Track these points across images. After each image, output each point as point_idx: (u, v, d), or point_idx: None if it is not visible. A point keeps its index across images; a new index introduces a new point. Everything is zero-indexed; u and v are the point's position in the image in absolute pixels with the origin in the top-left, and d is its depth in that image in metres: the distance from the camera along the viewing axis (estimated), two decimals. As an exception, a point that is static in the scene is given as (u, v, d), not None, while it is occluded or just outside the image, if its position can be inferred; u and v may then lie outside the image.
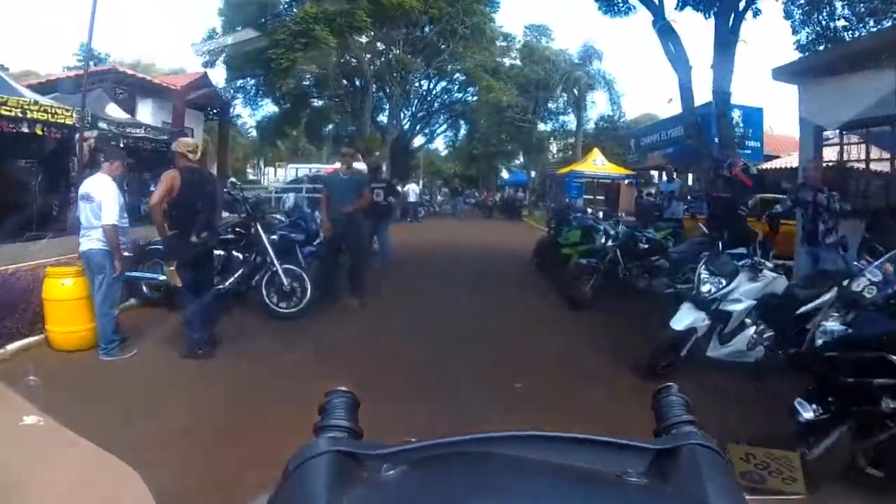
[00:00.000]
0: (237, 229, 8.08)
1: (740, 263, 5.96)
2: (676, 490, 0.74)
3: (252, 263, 7.90)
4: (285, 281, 7.65)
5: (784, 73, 10.92)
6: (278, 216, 9.92)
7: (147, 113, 23.82)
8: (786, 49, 61.85)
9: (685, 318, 5.76)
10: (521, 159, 63.60)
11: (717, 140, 14.96)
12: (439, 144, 55.86)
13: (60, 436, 2.50)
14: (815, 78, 10.10)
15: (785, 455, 1.32)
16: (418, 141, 43.92)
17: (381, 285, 10.11)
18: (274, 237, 8.06)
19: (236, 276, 7.83)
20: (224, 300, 7.69)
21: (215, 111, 27.65)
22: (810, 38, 16.06)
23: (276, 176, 64.42)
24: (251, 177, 72.45)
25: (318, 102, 35.75)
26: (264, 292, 7.70)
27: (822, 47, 15.59)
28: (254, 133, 42.67)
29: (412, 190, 27.69)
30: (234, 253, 7.98)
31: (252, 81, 31.32)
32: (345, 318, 8.05)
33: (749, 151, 22.13)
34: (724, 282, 5.79)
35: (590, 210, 22.09)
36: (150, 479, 2.13)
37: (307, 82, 28.44)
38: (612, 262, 8.77)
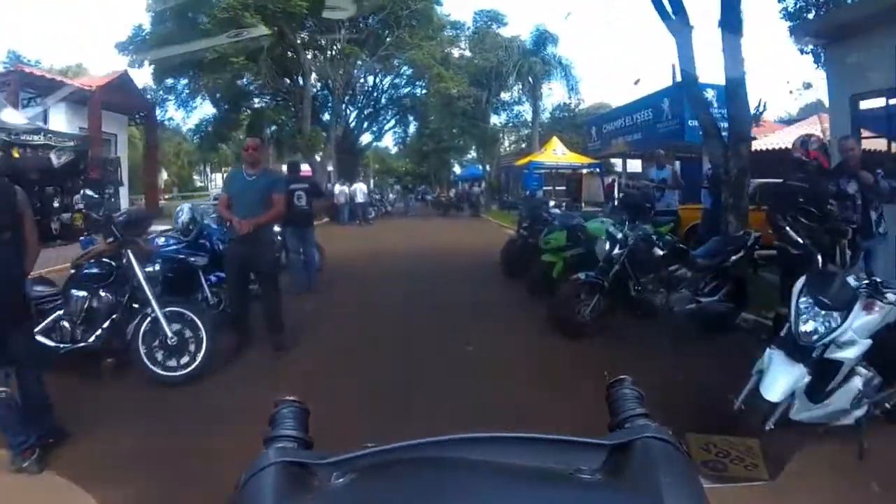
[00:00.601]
0: (104, 260, 5.59)
1: (856, 287, 3.87)
2: (631, 484, 0.73)
3: (123, 307, 5.46)
4: (168, 330, 5.24)
5: (805, 32, 8.89)
6: (171, 237, 7.41)
7: (61, 118, 21.07)
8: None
9: (781, 378, 3.63)
10: (474, 153, 62.44)
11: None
12: (389, 143, 53.53)
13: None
14: (848, 35, 8.09)
15: (745, 442, 1.44)
16: (366, 139, 41.62)
17: (309, 317, 7.92)
18: (153, 268, 5.66)
19: (103, 327, 5.36)
20: (88, 361, 5.34)
21: (141, 114, 25.09)
22: (799, 4, 14.14)
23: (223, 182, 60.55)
24: (198, 183, 69.36)
25: (258, 103, 33.33)
26: (141, 349, 5.22)
27: (810, 14, 13.68)
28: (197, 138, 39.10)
29: (360, 190, 25.42)
30: (102, 294, 5.49)
31: (183, 81, 28.48)
32: (259, 373, 5.67)
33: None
34: (837, 318, 3.68)
35: (552, 202, 20.41)
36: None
37: (242, 79, 25.64)
38: (621, 276, 6.57)
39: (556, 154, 27.05)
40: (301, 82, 26.70)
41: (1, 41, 70.99)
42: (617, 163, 28.59)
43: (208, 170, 70.01)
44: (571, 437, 0.80)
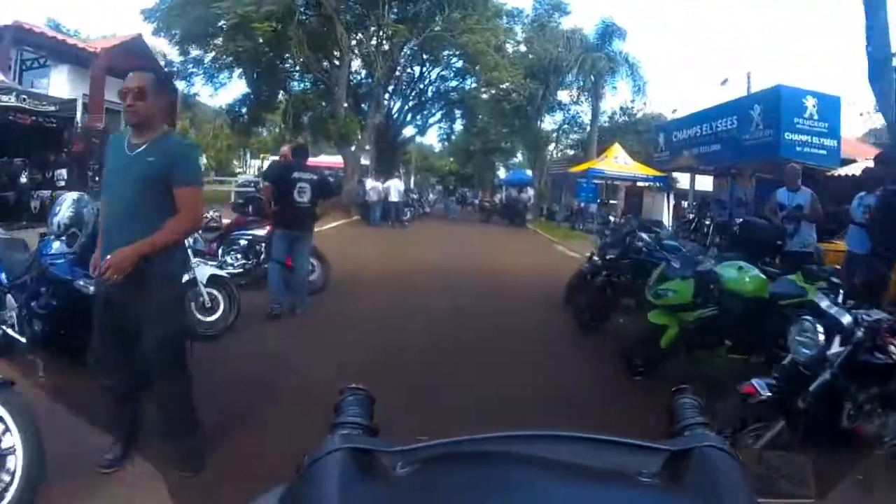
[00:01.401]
0: None
1: None
2: (689, 491, 0.74)
3: None
4: None
5: None
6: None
7: (62, 82, 18.58)
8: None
9: None
10: (520, 157, 59.00)
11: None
12: (432, 140, 50.63)
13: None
14: None
15: (795, 458, 1.36)
16: (408, 133, 38.66)
17: (269, 367, 5.08)
18: None
19: None
20: None
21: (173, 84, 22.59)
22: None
23: (262, 169, 58.61)
24: (238, 169, 67.26)
25: (298, 86, 30.74)
26: None
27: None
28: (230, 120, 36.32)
29: (394, 187, 22.42)
30: None
31: (210, 54, 25.77)
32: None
33: (824, 152, 17.02)
34: None
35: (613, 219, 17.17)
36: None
37: (269, 52, 22.70)
38: (830, 390, 3.34)
39: (618, 162, 23.77)
40: (338, 62, 23.64)
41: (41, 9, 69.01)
42: (679, 178, 25.11)
43: (248, 155, 68.23)
44: (633, 440, 0.80)
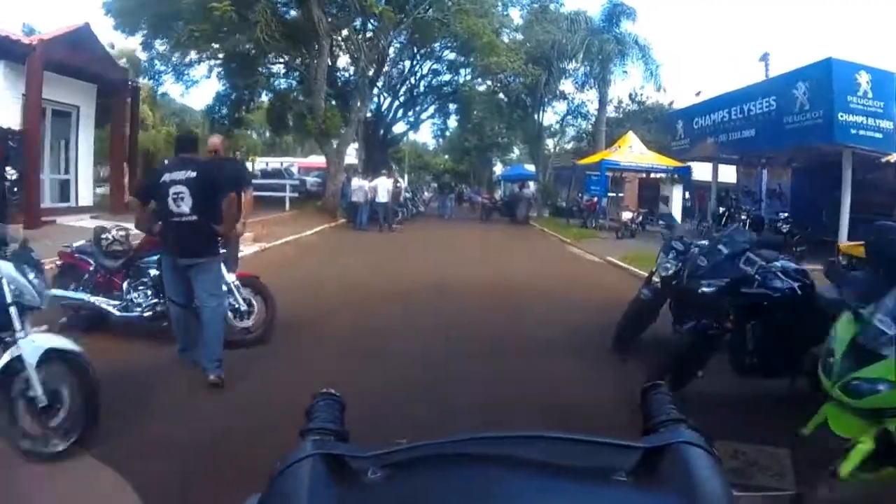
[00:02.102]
0: None
1: None
2: (664, 488, 0.73)
3: None
4: None
5: None
6: None
7: (-1, 82, 15.93)
8: None
9: None
10: (517, 152, 56.35)
11: None
12: (426, 137, 48.17)
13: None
14: None
15: (774, 451, 1.37)
16: (400, 129, 36.00)
17: None
18: None
19: None
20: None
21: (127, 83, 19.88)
22: None
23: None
24: (230, 174, 64.42)
25: (284, 83, 28.25)
26: None
27: None
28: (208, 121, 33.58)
29: (382, 186, 19.60)
30: None
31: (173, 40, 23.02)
32: None
33: (879, 136, 14.48)
34: None
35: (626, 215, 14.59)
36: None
37: (238, 37, 19.95)
38: None
39: (633, 152, 21.19)
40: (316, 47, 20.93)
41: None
42: (698, 169, 22.52)
43: (240, 156, 65.81)
44: (607, 438, 0.79)
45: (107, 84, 17.75)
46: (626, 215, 19.18)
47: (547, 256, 15.03)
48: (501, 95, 33.28)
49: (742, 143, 17.81)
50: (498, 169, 53.89)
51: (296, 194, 23.30)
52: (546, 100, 27.39)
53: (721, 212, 17.85)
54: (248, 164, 55.44)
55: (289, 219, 19.91)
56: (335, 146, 21.57)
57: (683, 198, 25.66)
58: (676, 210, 24.80)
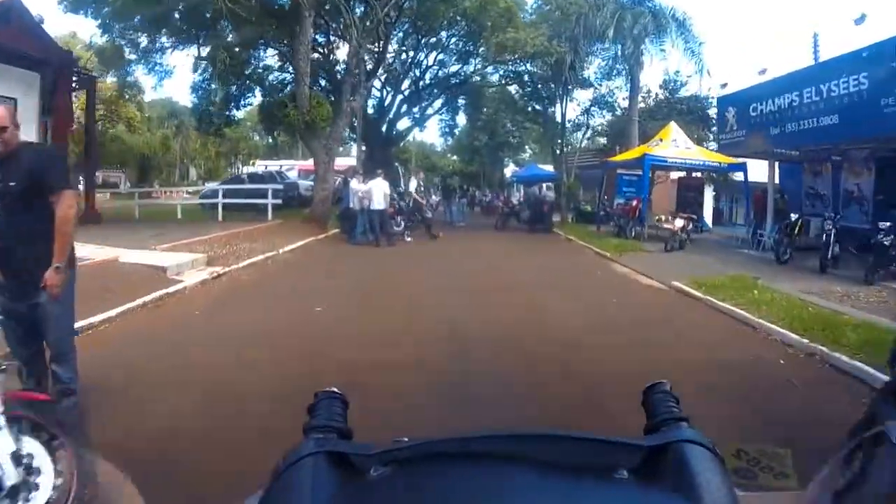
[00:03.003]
0: None
1: None
2: (667, 486, 0.72)
3: None
4: None
5: None
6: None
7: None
8: None
9: None
10: (529, 151, 52.81)
11: None
12: (434, 138, 45.02)
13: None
14: None
15: (776, 451, 1.26)
16: (405, 125, 32.60)
17: None
18: None
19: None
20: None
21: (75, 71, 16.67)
22: None
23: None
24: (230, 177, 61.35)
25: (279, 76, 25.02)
26: None
27: None
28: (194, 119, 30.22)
29: (378, 190, 15.76)
30: None
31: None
32: None
33: None
34: None
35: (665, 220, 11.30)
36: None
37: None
38: None
39: (678, 147, 17.56)
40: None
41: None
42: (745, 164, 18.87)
43: (239, 162, 62.60)
44: (609, 436, 0.78)
45: (51, 72, 14.54)
46: (678, 223, 15.63)
47: (591, 280, 11.45)
48: (515, 87, 29.94)
49: (819, 133, 14.23)
50: (509, 171, 50.46)
51: (279, 201, 19.76)
52: (570, 87, 23.50)
53: (793, 220, 14.26)
54: (243, 168, 52.20)
55: (268, 231, 16.54)
56: (324, 143, 18.03)
57: (716, 200, 22.12)
58: (706, 214, 21.48)
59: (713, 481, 0.71)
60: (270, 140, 48.06)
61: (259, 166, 41.50)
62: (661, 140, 17.76)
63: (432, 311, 8.18)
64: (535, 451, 0.76)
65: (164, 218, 18.76)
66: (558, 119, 26.25)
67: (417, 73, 30.29)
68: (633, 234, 17.33)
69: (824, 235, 12.73)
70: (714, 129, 24.68)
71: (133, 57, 21.61)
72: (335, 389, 0.92)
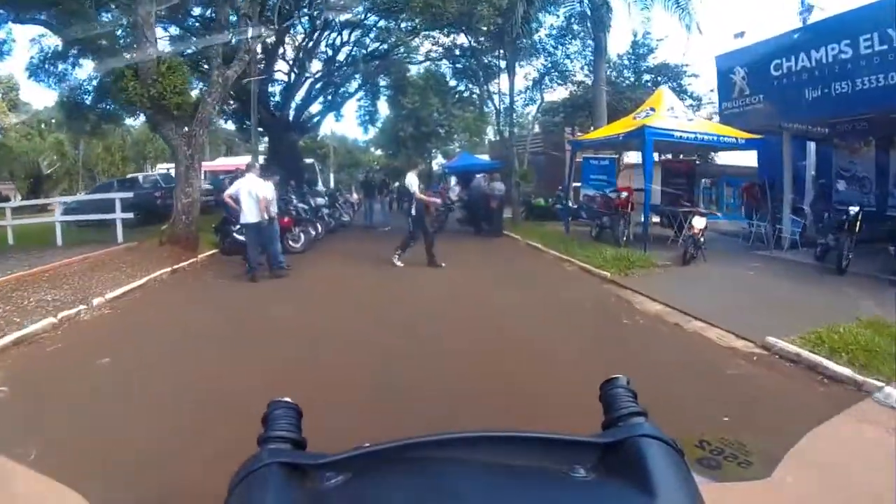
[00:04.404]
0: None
1: None
2: (625, 483, 0.70)
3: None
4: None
5: None
6: None
7: None
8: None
9: None
10: (457, 143, 47.93)
11: None
12: (358, 133, 39.79)
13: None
14: None
15: (739, 440, 1.30)
16: (316, 109, 26.94)
17: None
18: None
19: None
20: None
21: None
22: None
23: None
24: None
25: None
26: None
27: None
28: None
29: (249, 195, 9.67)
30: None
31: None
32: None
33: None
34: None
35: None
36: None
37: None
38: None
39: (676, 118, 12.73)
40: None
41: None
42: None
43: (148, 165, 54.96)
44: (565, 435, 0.77)
45: None
46: (698, 223, 10.88)
47: (623, 350, 6.30)
48: (446, 64, 24.85)
49: (872, 96, 9.93)
50: (437, 164, 45.60)
51: (130, 215, 13.82)
52: (521, 45, 18.06)
53: (853, 213, 9.71)
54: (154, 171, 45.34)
55: (106, 260, 11.01)
56: (185, 129, 12.20)
57: (704, 187, 17.60)
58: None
59: (671, 475, 0.69)
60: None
61: (160, 170, 34.98)
62: (651, 109, 12.86)
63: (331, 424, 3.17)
64: (491, 454, 0.74)
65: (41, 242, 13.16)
66: (502, 93, 21.10)
67: (329, 52, 24.91)
68: (625, 237, 12.41)
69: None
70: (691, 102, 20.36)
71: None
72: (288, 399, 0.87)
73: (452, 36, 21.57)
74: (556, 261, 11.82)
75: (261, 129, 24.39)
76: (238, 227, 10.42)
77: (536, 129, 25.10)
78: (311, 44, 23.42)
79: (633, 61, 23.01)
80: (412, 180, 11.01)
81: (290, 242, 12.19)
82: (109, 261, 11.14)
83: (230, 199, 9.83)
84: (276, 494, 0.68)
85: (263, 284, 9.50)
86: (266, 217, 9.55)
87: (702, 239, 10.88)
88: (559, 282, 9.92)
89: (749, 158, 16.28)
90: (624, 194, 12.65)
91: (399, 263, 10.88)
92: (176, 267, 10.91)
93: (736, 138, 12.38)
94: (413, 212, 10.84)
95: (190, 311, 8.05)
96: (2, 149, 38.89)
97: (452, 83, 26.87)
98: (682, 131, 11.91)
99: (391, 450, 0.75)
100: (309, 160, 27.31)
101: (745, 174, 15.76)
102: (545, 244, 13.35)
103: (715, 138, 12.37)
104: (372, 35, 23.93)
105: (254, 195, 9.46)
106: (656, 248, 11.90)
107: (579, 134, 20.58)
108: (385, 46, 24.20)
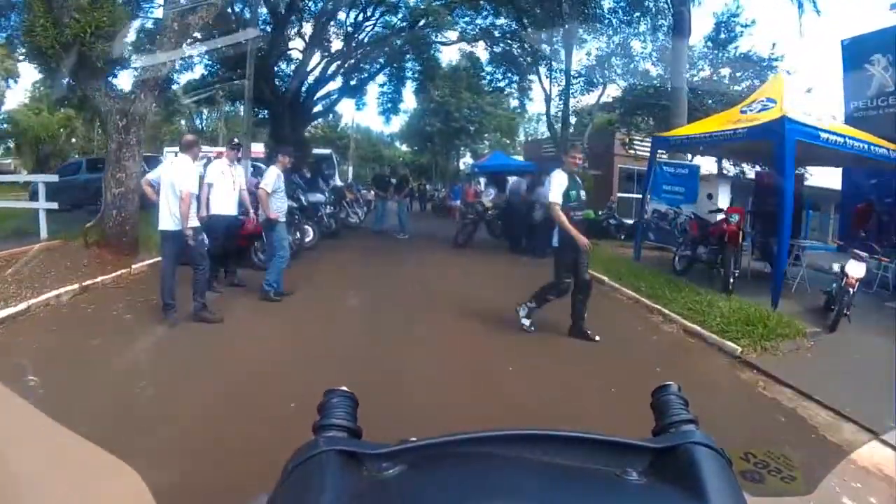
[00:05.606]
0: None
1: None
2: (676, 489, 0.70)
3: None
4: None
5: None
6: None
7: None
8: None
9: None
10: (488, 142, 44.52)
11: None
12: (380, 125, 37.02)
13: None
14: None
15: (784, 455, 1.22)
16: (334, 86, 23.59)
17: None
18: None
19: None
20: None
21: None
22: None
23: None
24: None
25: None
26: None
27: None
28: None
29: (175, 186, 5.88)
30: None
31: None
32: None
33: None
34: None
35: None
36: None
37: None
38: None
39: (808, 114, 9.01)
40: None
41: None
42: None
43: (163, 148, 52.29)
44: (618, 438, 0.76)
45: None
46: (856, 270, 7.28)
47: None
48: (484, 45, 21.38)
49: None
50: (463, 164, 42.64)
51: (55, 205, 10.33)
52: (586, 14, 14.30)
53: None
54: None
55: (2, 264, 7.77)
56: (134, 97, 8.60)
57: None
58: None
59: (722, 484, 0.69)
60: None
61: (168, 153, 31.92)
62: (770, 101, 9.13)
63: None
64: (544, 453, 0.74)
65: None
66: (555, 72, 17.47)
67: (349, 28, 21.61)
68: (732, 278, 8.69)
69: None
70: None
71: None
72: (345, 388, 0.86)
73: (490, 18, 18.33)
74: (637, 309, 8.09)
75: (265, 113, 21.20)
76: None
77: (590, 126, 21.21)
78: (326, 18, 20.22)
79: (711, 49, 18.95)
80: (556, 186, 6.08)
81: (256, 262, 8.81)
82: (4, 265, 7.84)
83: (148, 186, 6.34)
84: (334, 481, 0.67)
85: (201, 334, 6.00)
86: (188, 225, 5.91)
87: (852, 291, 7.26)
88: (658, 359, 6.20)
89: (828, 178, 13.66)
90: (735, 217, 8.87)
91: (526, 323, 6.54)
92: (91, 283, 7.51)
93: (888, 149, 8.71)
94: (556, 242, 6.27)
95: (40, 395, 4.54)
96: (8, 122, 37.67)
97: (489, 70, 23.44)
98: (830, 133, 8.21)
99: (446, 443, 0.75)
100: (326, 151, 23.81)
101: (824, 195, 12.37)
102: (612, 276, 9.69)
103: (866, 147, 8.62)
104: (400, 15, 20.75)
105: (177, 190, 5.83)
106: (752, 290, 8.38)
107: (635, 135, 17.08)
108: (410, 21, 20.84)
